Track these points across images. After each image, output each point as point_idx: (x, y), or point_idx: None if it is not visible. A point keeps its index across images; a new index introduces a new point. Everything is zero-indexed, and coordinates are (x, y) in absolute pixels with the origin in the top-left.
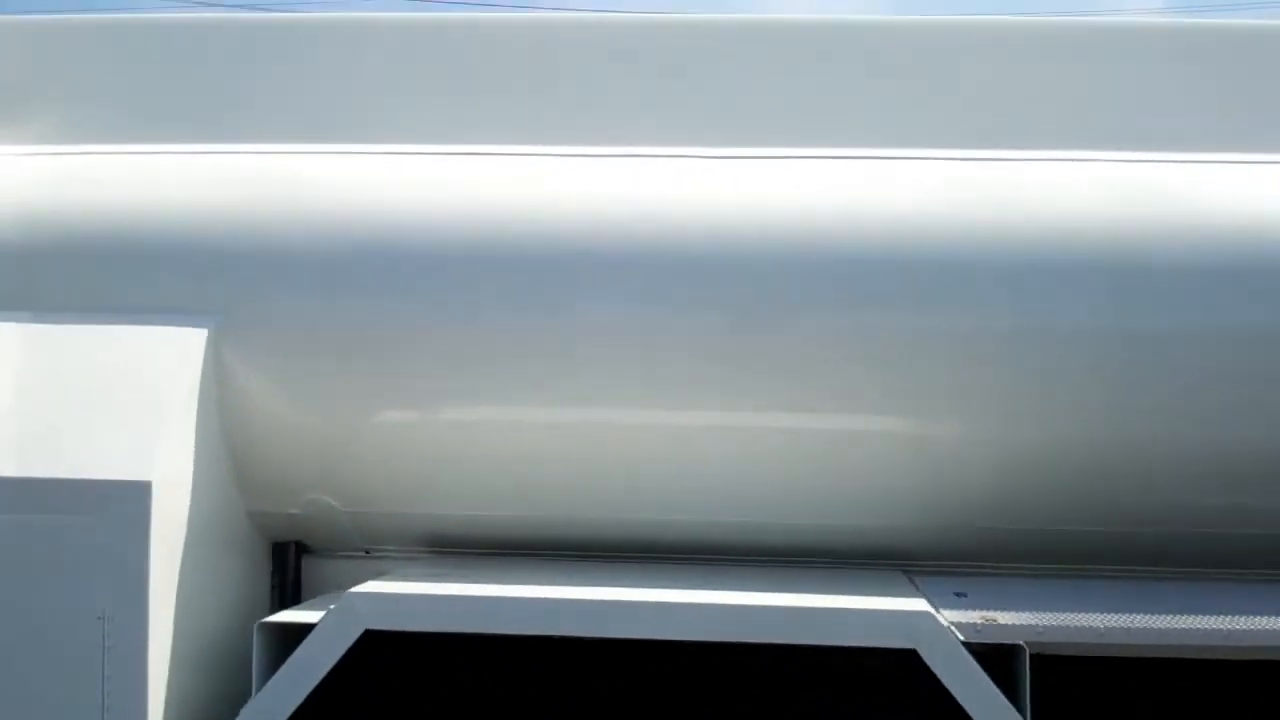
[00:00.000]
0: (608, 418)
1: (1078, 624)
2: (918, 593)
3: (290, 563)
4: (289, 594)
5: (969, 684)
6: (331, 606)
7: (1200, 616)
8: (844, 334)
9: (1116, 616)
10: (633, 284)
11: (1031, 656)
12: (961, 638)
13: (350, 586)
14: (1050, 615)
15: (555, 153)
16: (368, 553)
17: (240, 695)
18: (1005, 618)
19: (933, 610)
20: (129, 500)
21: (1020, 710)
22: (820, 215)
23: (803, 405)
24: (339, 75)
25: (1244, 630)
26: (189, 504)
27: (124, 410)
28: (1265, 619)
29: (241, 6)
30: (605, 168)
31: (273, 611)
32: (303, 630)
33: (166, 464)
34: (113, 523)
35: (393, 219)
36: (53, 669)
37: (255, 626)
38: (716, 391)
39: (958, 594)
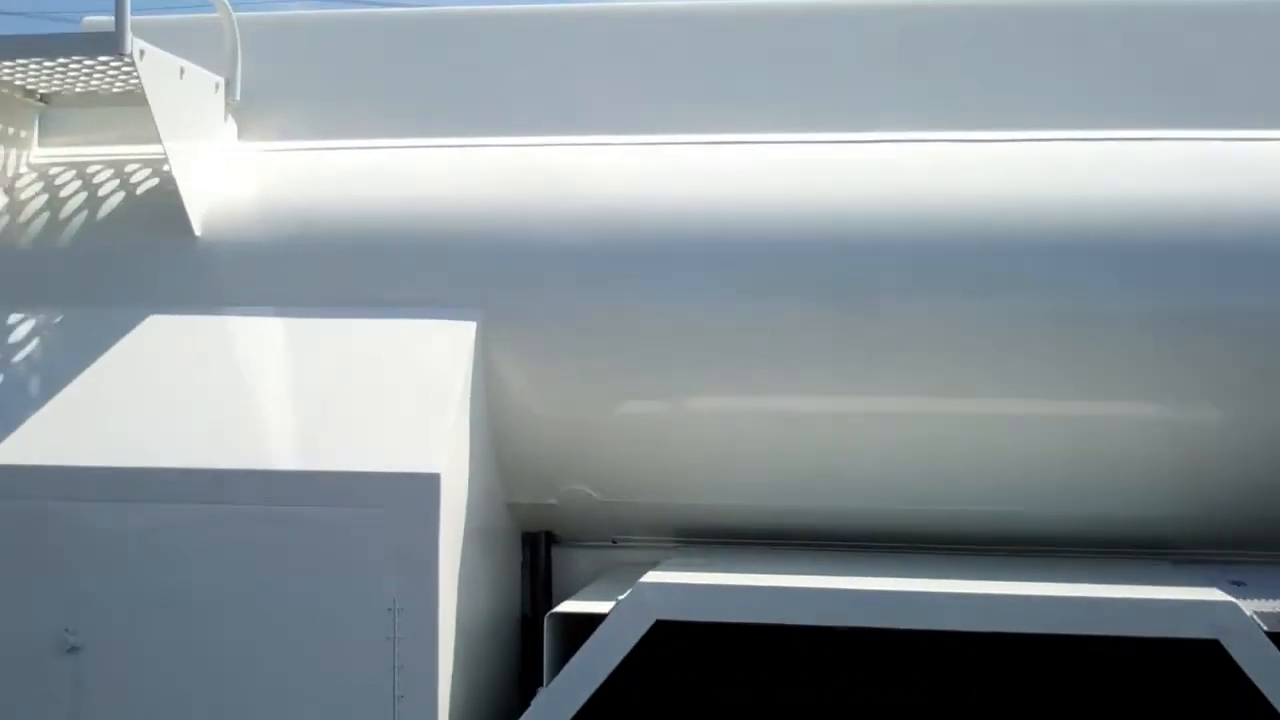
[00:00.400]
0: (865, 407)
1: None
2: (1202, 582)
3: (541, 553)
4: (540, 584)
5: (1274, 676)
6: (620, 597)
7: None
8: (1103, 319)
9: None
10: (893, 273)
11: None
12: (1265, 628)
13: (597, 577)
14: None
15: (810, 139)
16: (614, 542)
17: (508, 685)
18: None
19: (1234, 600)
20: (418, 492)
21: None
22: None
23: (1063, 392)
24: (594, 67)
25: None
26: (466, 496)
27: (404, 403)
28: None
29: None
30: (858, 154)
31: (525, 601)
32: (590, 620)
33: (449, 456)
34: (402, 515)
35: (650, 210)
36: (344, 661)
37: (546, 617)
38: (977, 380)
39: (1235, 583)
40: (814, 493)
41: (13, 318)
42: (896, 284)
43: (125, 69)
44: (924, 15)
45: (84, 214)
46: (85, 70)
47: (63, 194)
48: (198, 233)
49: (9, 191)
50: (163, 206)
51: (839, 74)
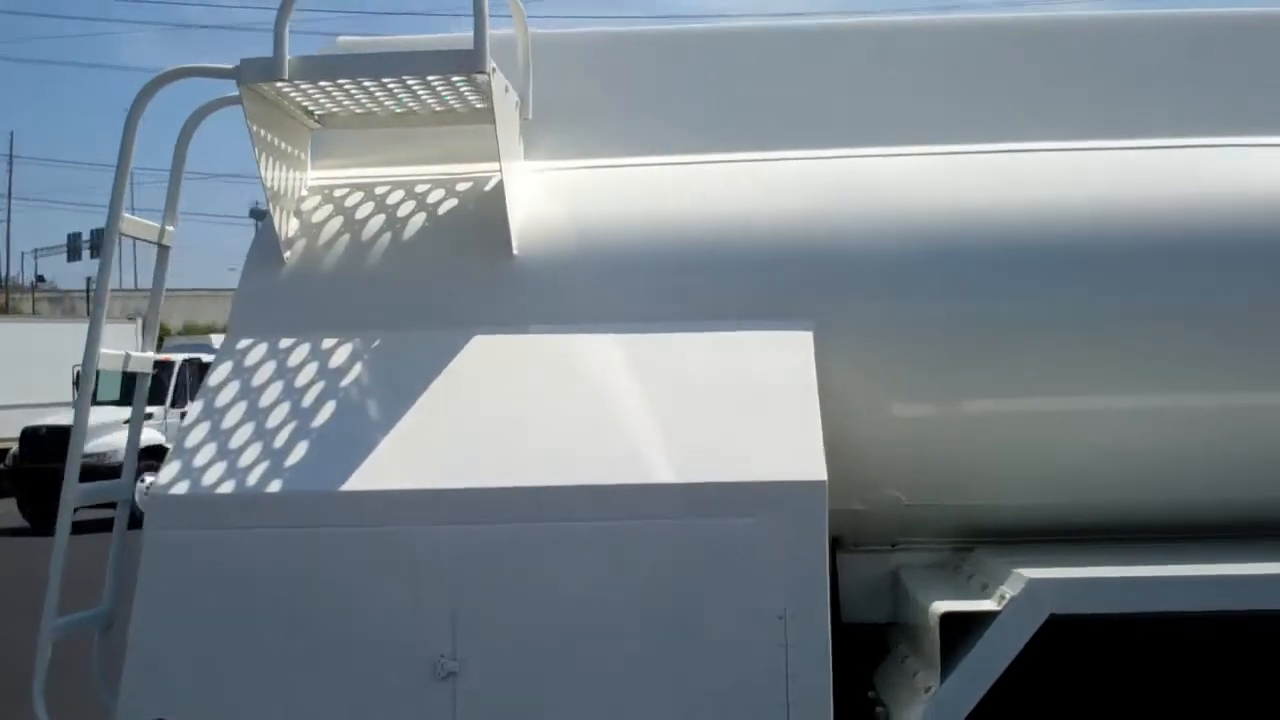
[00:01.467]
0: (1172, 403)
1: None
2: None
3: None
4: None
5: None
6: (1009, 594)
7: None
8: None
9: None
10: (1201, 274)
11: None
12: None
13: (880, 580)
14: None
15: (1106, 146)
16: (893, 546)
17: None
18: None
19: None
20: (807, 499)
21: None
22: None
23: None
24: (901, 79)
25: None
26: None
27: (767, 412)
28: None
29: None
30: (1155, 160)
31: None
32: (975, 618)
33: (822, 463)
34: (792, 522)
35: (959, 218)
36: (736, 669)
37: (939, 615)
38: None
39: None
40: (1117, 488)
41: (328, 342)
42: (1217, 286)
43: (468, 88)
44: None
45: (386, 236)
46: (399, 90)
47: (357, 216)
48: (515, 252)
49: (298, 215)
50: (467, 226)
51: (1145, 80)
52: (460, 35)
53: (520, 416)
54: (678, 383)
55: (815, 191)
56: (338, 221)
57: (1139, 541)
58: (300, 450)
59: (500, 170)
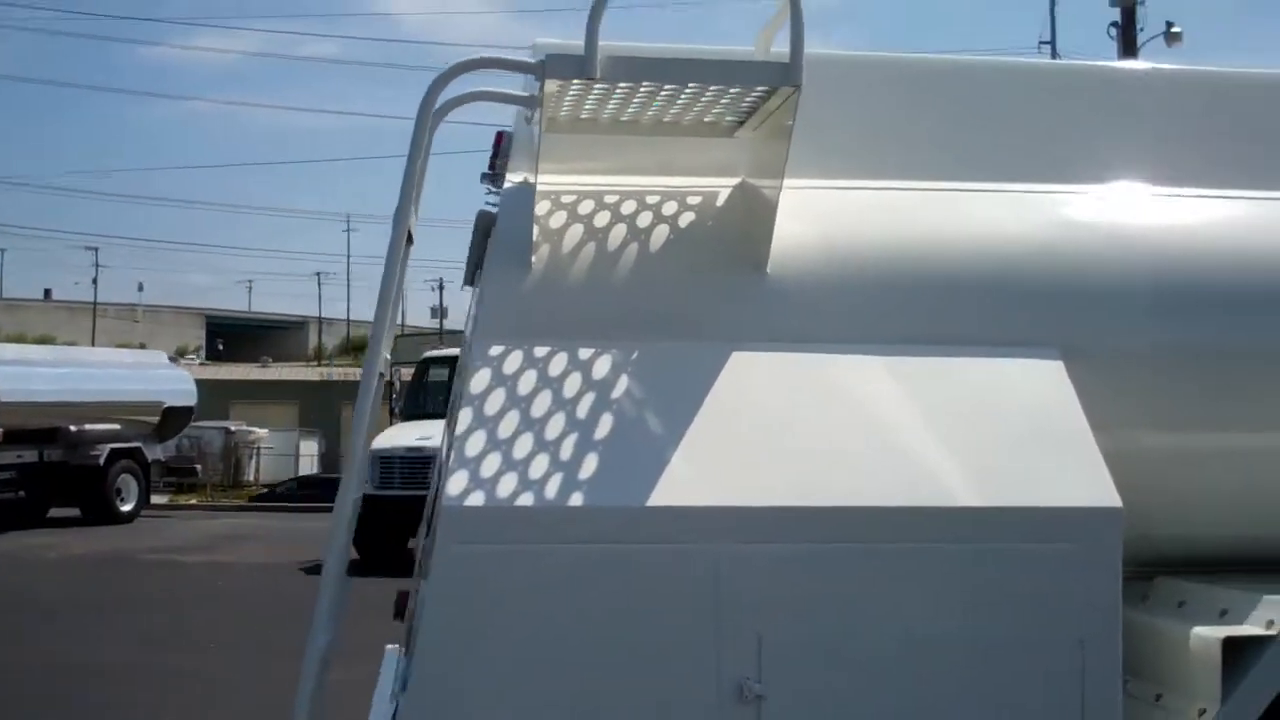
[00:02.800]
0: None
1: None
2: None
3: None
4: None
5: None
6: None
7: None
8: None
9: None
10: None
11: None
12: None
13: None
14: None
15: None
16: None
17: None
18: None
19: None
20: (1103, 525)
21: None
22: None
23: None
24: (1142, 123)
25: None
26: None
27: (1046, 439)
28: None
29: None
30: None
31: None
32: (1250, 641)
33: (1114, 490)
34: (1089, 548)
35: (1195, 256)
36: (1035, 694)
37: (1224, 640)
38: None
39: None
40: None
41: (585, 351)
42: None
43: (761, 100)
44: None
45: (631, 245)
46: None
47: (595, 223)
48: (769, 269)
49: (537, 221)
50: (712, 239)
51: None
52: (738, 48)
53: (799, 434)
54: (948, 406)
55: (1068, 226)
56: (577, 228)
57: None
58: (591, 463)
59: (771, 186)
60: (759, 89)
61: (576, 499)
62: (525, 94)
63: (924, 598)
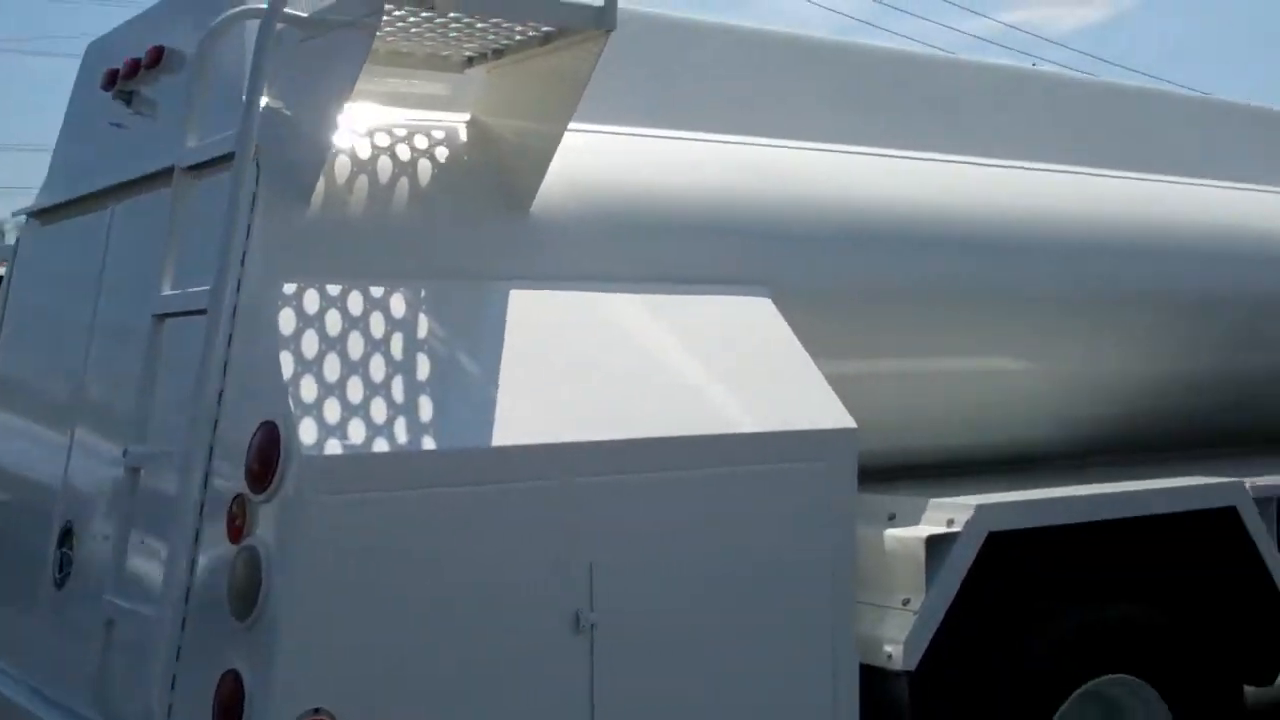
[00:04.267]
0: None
1: None
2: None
3: None
4: None
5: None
6: (959, 519)
7: None
8: None
9: None
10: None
11: None
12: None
13: None
14: None
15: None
16: None
17: None
18: None
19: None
20: (843, 444)
21: None
22: None
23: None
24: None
25: None
26: None
27: (784, 368)
28: None
29: None
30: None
31: None
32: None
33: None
34: (833, 465)
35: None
36: (797, 595)
37: (927, 540)
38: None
39: None
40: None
41: (376, 290)
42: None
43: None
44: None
45: (401, 182)
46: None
47: (360, 156)
48: (531, 210)
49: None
50: (470, 176)
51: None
52: None
53: (594, 370)
54: (702, 341)
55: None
56: (344, 161)
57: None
58: (426, 406)
59: (555, 129)
60: (547, 28)
61: (428, 443)
62: (304, 14)
63: (708, 519)
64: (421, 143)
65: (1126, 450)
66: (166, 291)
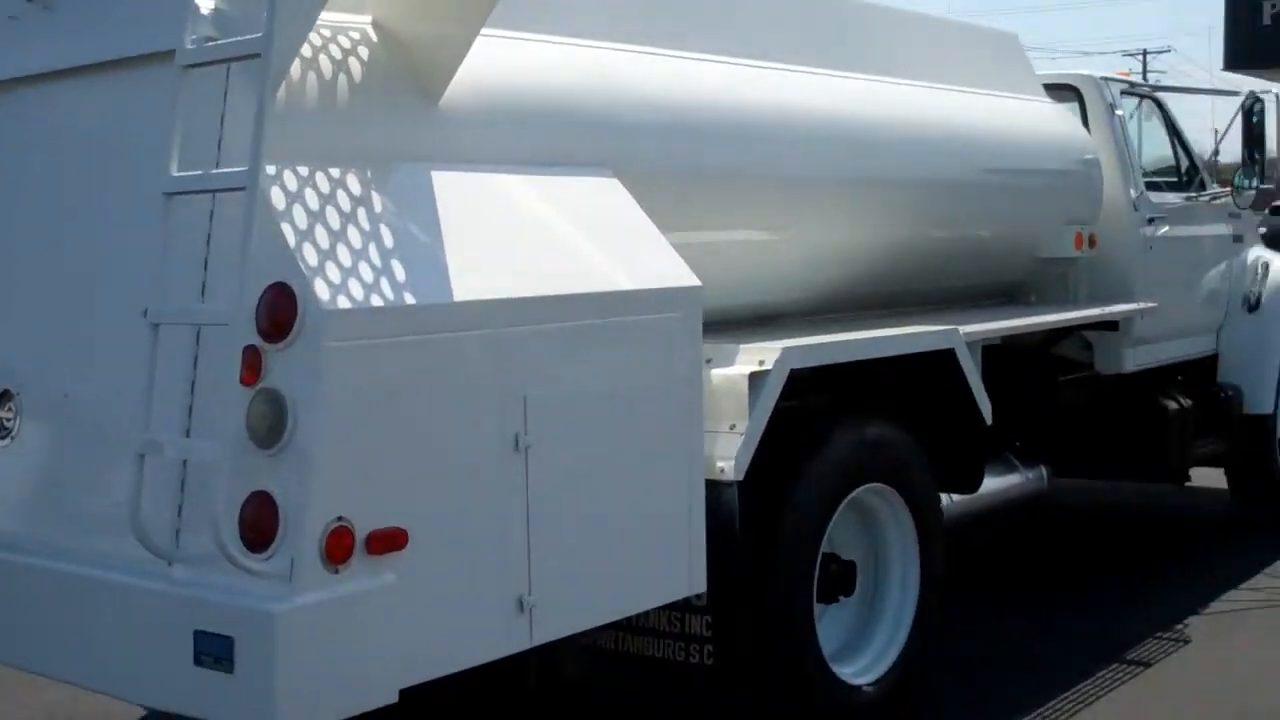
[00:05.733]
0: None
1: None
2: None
3: None
4: None
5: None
6: (768, 359)
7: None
8: None
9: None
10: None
11: None
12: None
13: None
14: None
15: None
16: None
17: None
18: None
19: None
20: (692, 299)
21: None
22: None
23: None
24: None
25: None
26: None
27: (642, 237)
28: None
29: None
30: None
31: None
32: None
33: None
34: (685, 316)
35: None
36: (667, 422)
37: (750, 376)
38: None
39: None
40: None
41: (334, 172)
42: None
43: None
44: None
45: (341, 79)
46: None
47: (305, 54)
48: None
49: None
50: (397, 71)
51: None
52: None
53: (512, 238)
54: (576, 215)
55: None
56: (297, 61)
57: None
58: (398, 268)
59: (468, 35)
60: None
61: (408, 299)
62: None
63: (599, 361)
64: (345, 43)
65: (870, 306)
66: (177, 173)
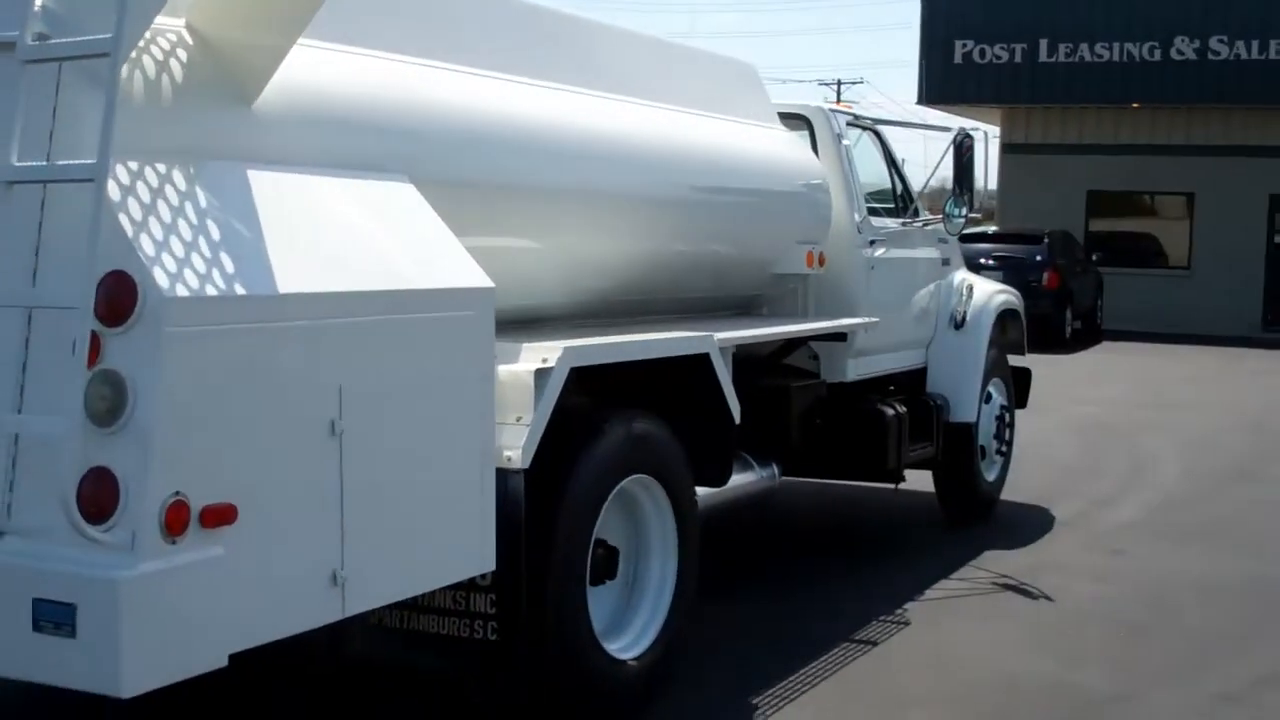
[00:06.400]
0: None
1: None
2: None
3: None
4: None
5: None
6: (551, 357)
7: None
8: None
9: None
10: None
11: None
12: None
13: None
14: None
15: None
16: None
17: None
18: None
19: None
20: (485, 298)
21: None
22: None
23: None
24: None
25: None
26: None
27: (437, 240)
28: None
29: None
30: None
31: None
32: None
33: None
34: (478, 314)
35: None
36: (468, 410)
37: (536, 373)
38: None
39: None
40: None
41: (160, 167)
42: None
43: None
44: None
45: (164, 78)
46: None
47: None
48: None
49: None
50: (213, 76)
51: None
52: None
53: (319, 234)
54: (383, 215)
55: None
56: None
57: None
58: (227, 260)
59: (284, 43)
60: None
61: (239, 288)
62: None
63: (401, 355)
64: (165, 44)
65: (621, 314)
66: (17, 162)
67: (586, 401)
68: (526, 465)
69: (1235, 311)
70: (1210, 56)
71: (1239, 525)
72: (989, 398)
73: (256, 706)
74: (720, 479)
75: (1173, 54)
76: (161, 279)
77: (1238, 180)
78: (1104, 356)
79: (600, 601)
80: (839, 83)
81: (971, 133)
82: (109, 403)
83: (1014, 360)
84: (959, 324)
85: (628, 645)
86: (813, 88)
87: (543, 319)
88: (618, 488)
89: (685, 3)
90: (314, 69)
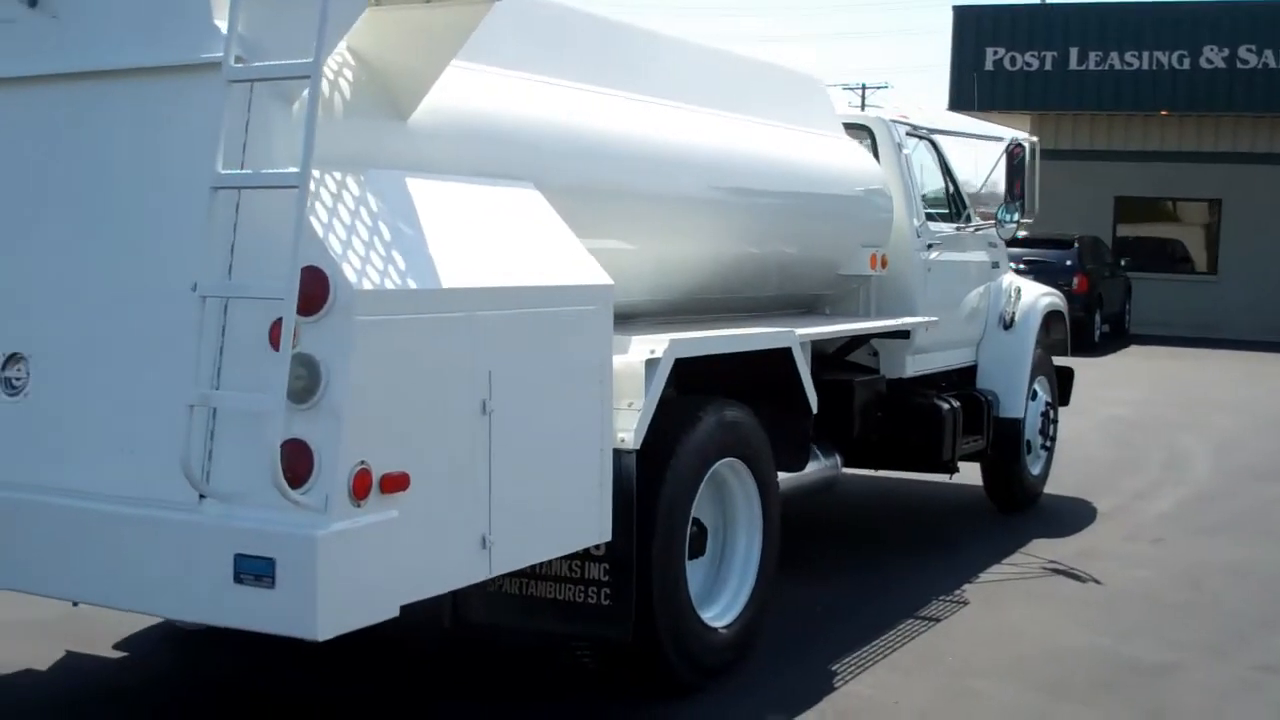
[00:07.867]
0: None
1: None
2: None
3: None
4: None
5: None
6: (658, 349)
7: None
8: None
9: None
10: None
11: None
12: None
13: None
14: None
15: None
16: None
17: None
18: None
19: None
20: (605, 294)
21: None
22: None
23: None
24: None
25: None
26: None
27: (560, 241)
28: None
29: None
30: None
31: None
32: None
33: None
34: (599, 309)
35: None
36: (578, 404)
37: (647, 363)
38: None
39: None
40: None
41: (339, 175)
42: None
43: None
44: None
45: (336, 97)
46: None
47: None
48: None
49: None
50: (369, 91)
51: None
52: None
53: (473, 236)
54: (520, 218)
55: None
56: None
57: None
58: (400, 260)
59: (435, 69)
60: None
61: (412, 283)
62: None
63: (540, 344)
64: (334, 65)
65: (708, 310)
66: (223, 170)
67: (688, 388)
68: (638, 446)
69: (1260, 317)
70: (1239, 65)
71: (1267, 518)
72: (1035, 395)
73: (358, 674)
74: (799, 464)
75: (1202, 63)
76: (350, 274)
77: (1264, 187)
78: (1133, 360)
79: (694, 574)
80: (864, 87)
81: (1024, 142)
82: (305, 382)
83: (1056, 360)
84: (1008, 324)
85: (719, 614)
86: (838, 92)
87: (633, 316)
88: (711, 469)
89: (714, 7)
90: (456, 88)
